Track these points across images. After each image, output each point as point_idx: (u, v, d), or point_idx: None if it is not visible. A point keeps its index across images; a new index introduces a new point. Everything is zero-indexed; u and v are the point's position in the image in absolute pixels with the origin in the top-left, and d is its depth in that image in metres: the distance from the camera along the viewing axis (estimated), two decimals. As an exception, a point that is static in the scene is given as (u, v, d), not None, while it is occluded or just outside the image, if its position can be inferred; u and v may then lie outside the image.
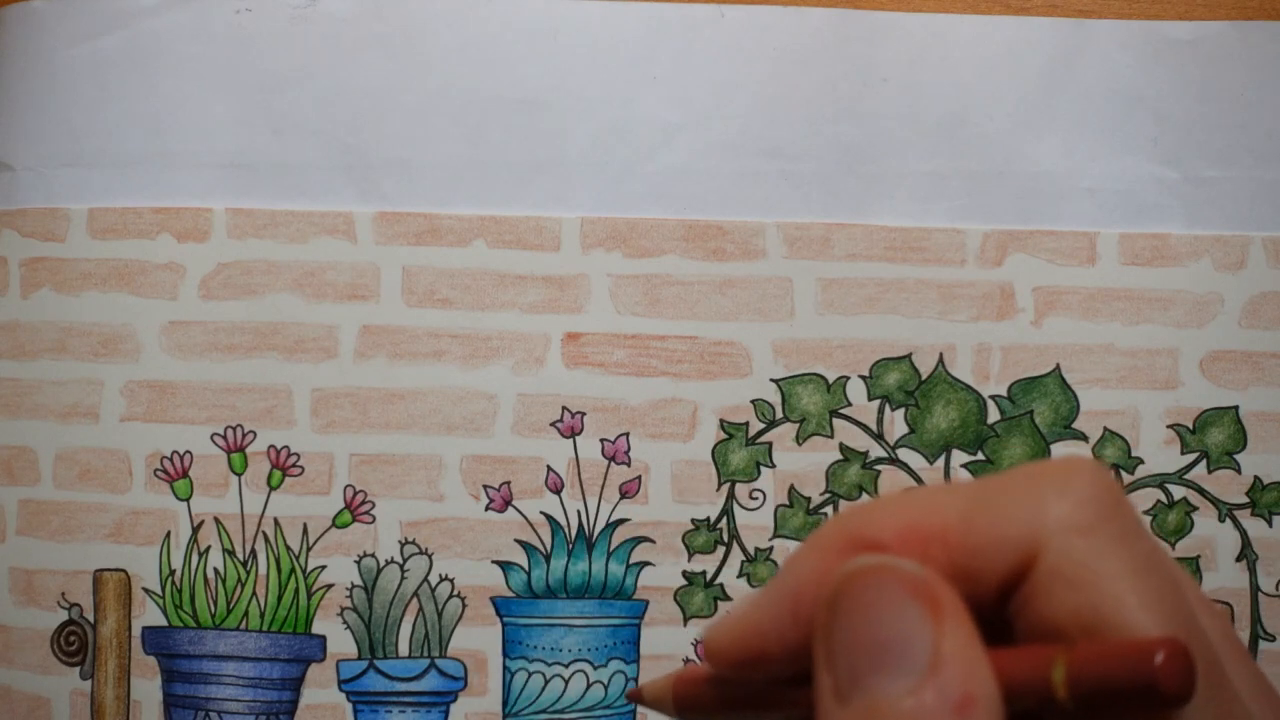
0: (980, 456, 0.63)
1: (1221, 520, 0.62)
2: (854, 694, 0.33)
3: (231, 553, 0.63)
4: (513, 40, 0.63)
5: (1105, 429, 0.63)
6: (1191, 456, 0.63)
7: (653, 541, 0.63)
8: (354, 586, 0.63)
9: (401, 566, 0.63)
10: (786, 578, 0.34)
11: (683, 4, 0.63)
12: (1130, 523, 0.35)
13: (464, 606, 0.63)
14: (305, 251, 0.63)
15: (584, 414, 0.63)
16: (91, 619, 0.63)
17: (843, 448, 0.63)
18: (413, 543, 0.63)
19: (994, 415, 0.63)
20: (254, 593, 0.63)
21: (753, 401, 0.63)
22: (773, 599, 0.34)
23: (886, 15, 0.63)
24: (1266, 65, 0.63)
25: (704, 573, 0.63)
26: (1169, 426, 0.63)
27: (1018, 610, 0.34)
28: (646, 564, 0.63)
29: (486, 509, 0.63)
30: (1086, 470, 0.34)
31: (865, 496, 0.63)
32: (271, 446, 0.63)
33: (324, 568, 0.63)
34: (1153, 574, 0.34)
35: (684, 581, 0.63)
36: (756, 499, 0.63)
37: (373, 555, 0.63)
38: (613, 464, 0.63)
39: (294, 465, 0.63)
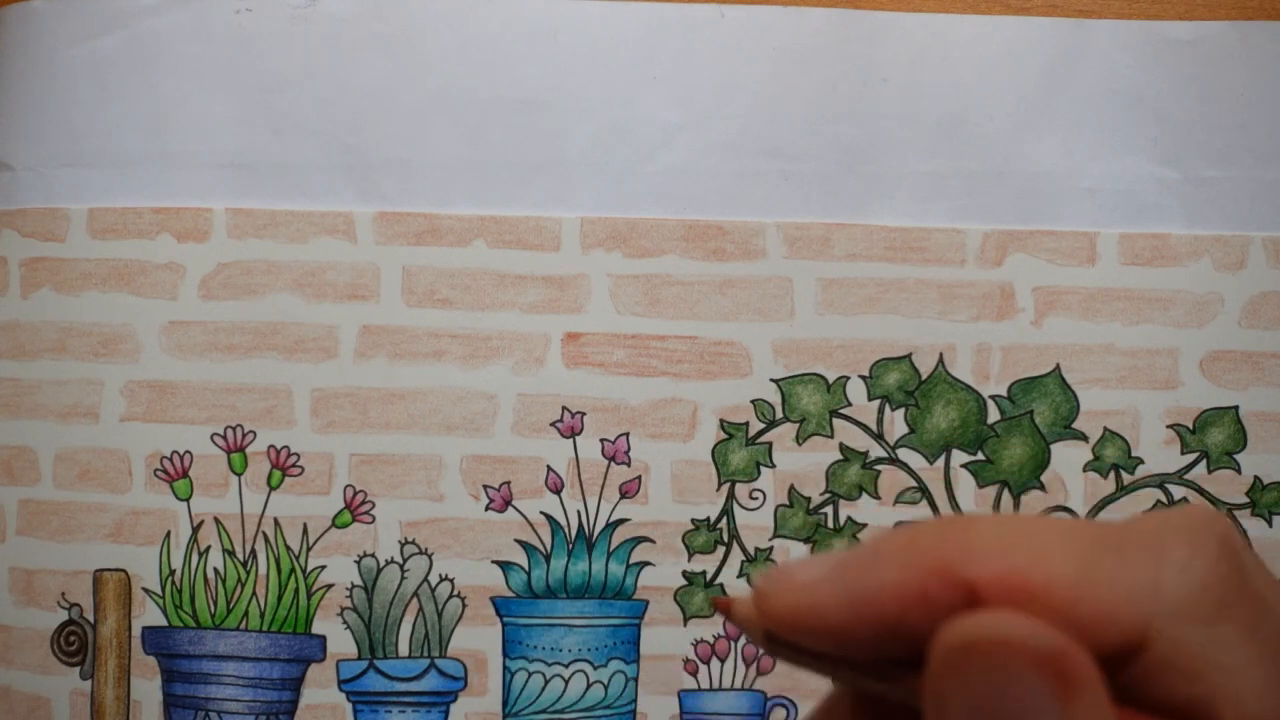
0: (980, 456, 0.63)
1: (1221, 520, 0.63)
2: None
3: (231, 553, 0.63)
4: (513, 40, 0.63)
5: (1105, 429, 0.63)
6: (1191, 456, 0.63)
7: (653, 541, 0.63)
8: (354, 586, 0.63)
9: (401, 566, 0.63)
10: (862, 573, 0.31)
11: (683, 4, 0.63)
12: (1255, 604, 0.32)
13: (464, 606, 0.63)
14: (305, 251, 0.63)
15: (584, 414, 0.63)
16: (91, 619, 0.63)
17: (843, 448, 0.63)
18: (413, 543, 0.63)
19: (994, 415, 0.63)
20: (254, 593, 0.63)
21: (753, 401, 0.63)
22: (841, 588, 0.31)
23: (886, 15, 0.63)
24: (1266, 65, 0.63)
25: (704, 573, 0.63)
26: (1169, 426, 0.63)
27: (1126, 681, 0.31)
28: (646, 564, 0.63)
29: (486, 509, 0.63)
30: (1212, 539, 0.32)
31: (865, 496, 0.63)
32: (271, 446, 0.63)
33: (324, 568, 0.63)
34: (1274, 665, 0.31)
35: (684, 581, 0.63)
36: (756, 499, 0.63)
37: (373, 555, 0.63)
38: (613, 464, 0.63)
39: (294, 465, 0.63)
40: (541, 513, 0.63)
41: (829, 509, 0.63)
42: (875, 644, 0.31)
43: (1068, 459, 0.63)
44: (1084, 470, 0.63)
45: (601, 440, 0.63)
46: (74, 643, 0.63)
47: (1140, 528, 0.32)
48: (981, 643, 0.29)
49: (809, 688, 0.63)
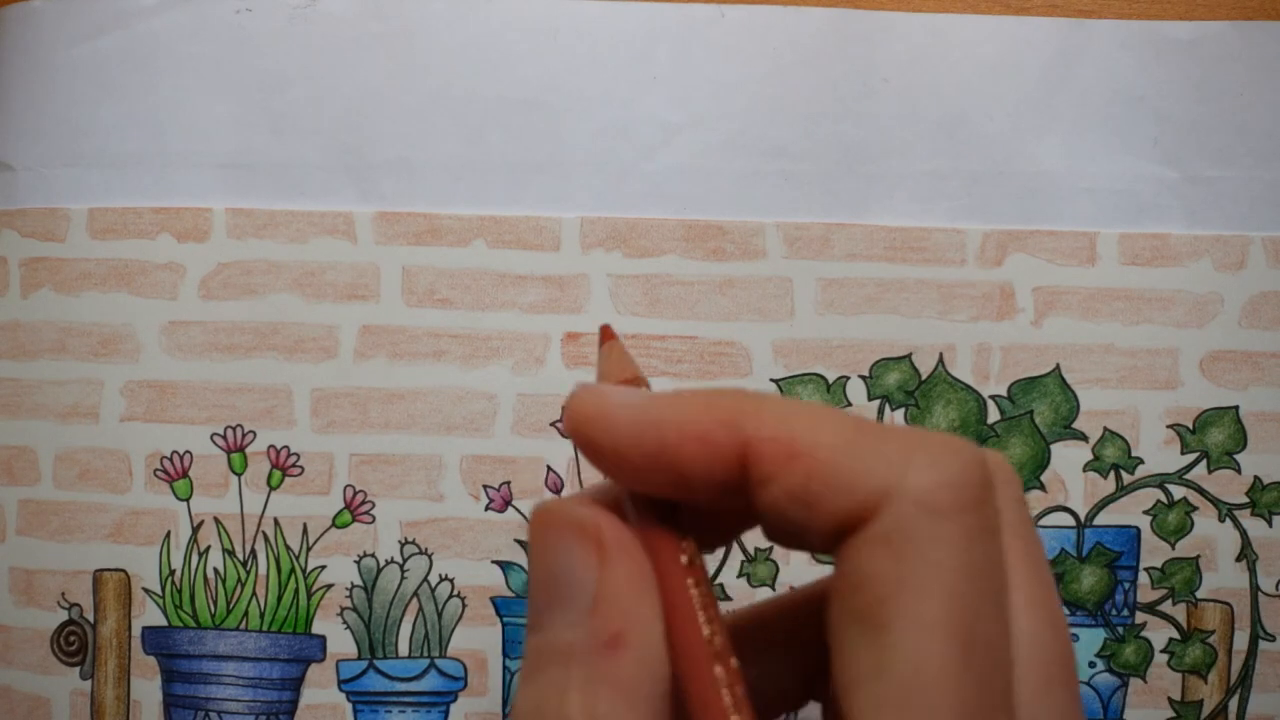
0: (980, 456, 0.63)
1: (1221, 520, 0.63)
2: (535, 627, 0.36)
3: (231, 553, 0.63)
4: (512, 40, 0.63)
5: (1105, 429, 0.63)
6: (1191, 456, 0.63)
7: (653, 541, 0.63)
8: (354, 586, 0.63)
9: (401, 566, 0.63)
10: (663, 406, 0.37)
11: (683, 4, 0.64)
12: (983, 522, 0.36)
13: (464, 606, 0.63)
14: (305, 251, 0.63)
15: (584, 414, 0.63)
16: (91, 619, 0.63)
17: (843, 448, 0.63)
18: (412, 543, 0.63)
19: (994, 415, 0.63)
20: (254, 593, 0.63)
21: (753, 401, 0.63)
22: (641, 413, 0.37)
23: (887, 15, 0.63)
24: (1266, 65, 0.63)
25: (704, 573, 0.63)
26: (1169, 426, 0.63)
27: (840, 553, 0.36)
28: (646, 564, 0.63)
29: (486, 509, 0.63)
30: (973, 459, 0.36)
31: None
32: (271, 446, 0.63)
33: (324, 568, 0.63)
34: (973, 582, 0.35)
35: (684, 581, 0.63)
36: (756, 499, 0.63)
37: (373, 555, 0.63)
38: (613, 464, 0.63)
39: (294, 465, 0.63)
40: (541, 513, 0.63)
41: (829, 509, 0.63)
42: (656, 470, 0.37)
43: (1067, 459, 0.63)
44: (1084, 470, 0.63)
45: (601, 440, 0.63)
46: (74, 643, 0.63)
47: (912, 429, 0.37)
48: (537, 515, 0.36)
49: (809, 688, 0.63)
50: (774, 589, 0.63)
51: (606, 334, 0.50)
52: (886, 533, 0.35)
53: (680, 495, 0.39)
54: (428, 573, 0.63)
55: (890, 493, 0.35)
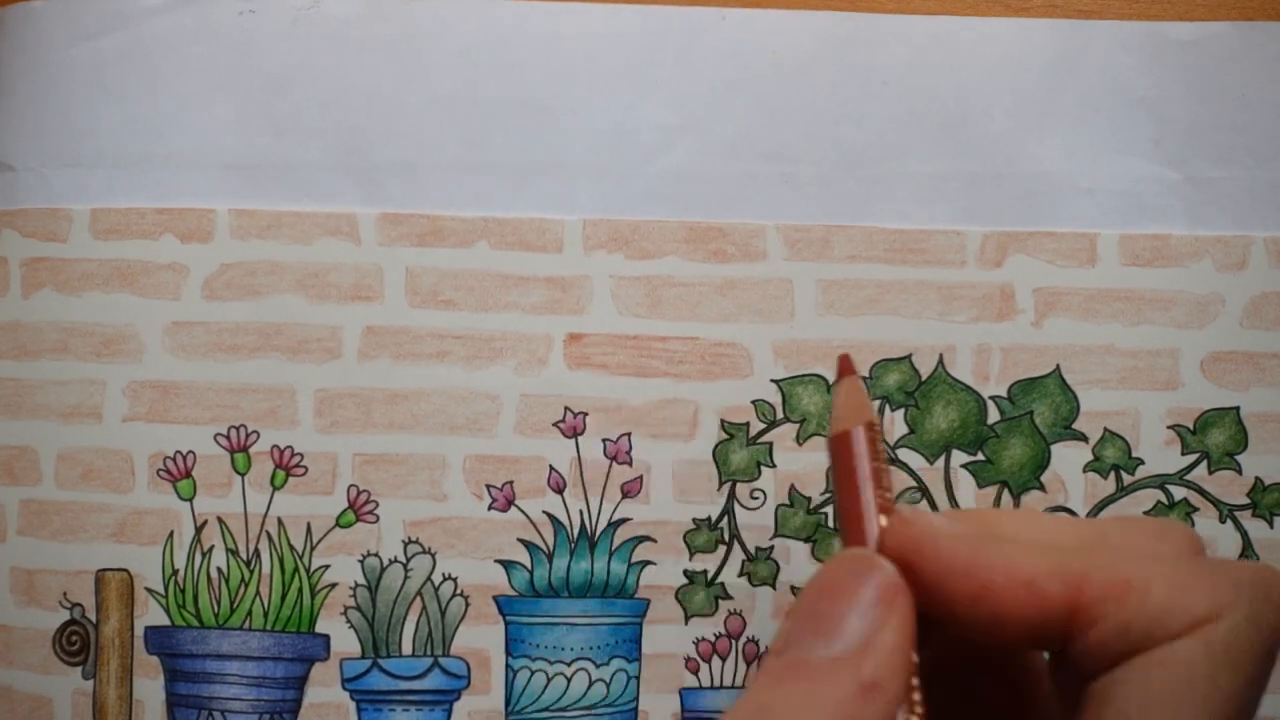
0: (980, 457, 0.63)
1: (1222, 521, 0.63)
2: (795, 643, 0.39)
3: (235, 552, 0.63)
4: (515, 43, 0.63)
5: (1105, 429, 0.63)
6: (1192, 457, 0.63)
7: (654, 541, 0.63)
8: (357, 586, 0.63)
9: (405, 566, 0.63)
10: (1000, 555, 0.39)
11: (684, 8, 0.64)
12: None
13: (467, 605, 0.63)
14: (309, 252, 0.63)
15: (586, 414, 0.63)
16: (93, 619, 0.63)
17: (843, 447, 0.63)
18: (416, 542, 0.63)
19: (994, 416, 0.63)
20: (258, 592, 0.63)
21: (753, 402, 0.63)
22: (976, 563, 0.40)
23: (887, 18, 0.64)
24: (1267, 65, 0.63)
25: (705, 572, 0.63)
26: (1170, 427, 0.63)
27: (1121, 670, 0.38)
28: (648, 563, 0.63)
29: (489, 508, 0.63)
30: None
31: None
32: (275, 446, 0.63)
33: (328, 567, 0.63)
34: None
35: (685, 580, 0.63)
36: (757, 498, 0.63)
37: (376, 554, 0.63)
38: (614, 464, 0.63)
39: (297, 465, 0.63)
40: (544, 512, 0.63)
41: (829, 508, 0.63)
42: (974, 608, 0.40)
43: (1068, 459, 0.63)
44: (1084, 471, 0.63)
45: (603, 440, 0.63)
46: (76, 642, 0.63)
47: (1239, 563, 0.41)
48: (849, 558, 0.40)
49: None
50: (774, 588, 0.63)
51: (845, 367, 0.45)
52: (1170, 655, 0.37)
53: (986, 634, 0.42)
54: (431, 572, 0.63)
55: (1219, 614, 0.37)
